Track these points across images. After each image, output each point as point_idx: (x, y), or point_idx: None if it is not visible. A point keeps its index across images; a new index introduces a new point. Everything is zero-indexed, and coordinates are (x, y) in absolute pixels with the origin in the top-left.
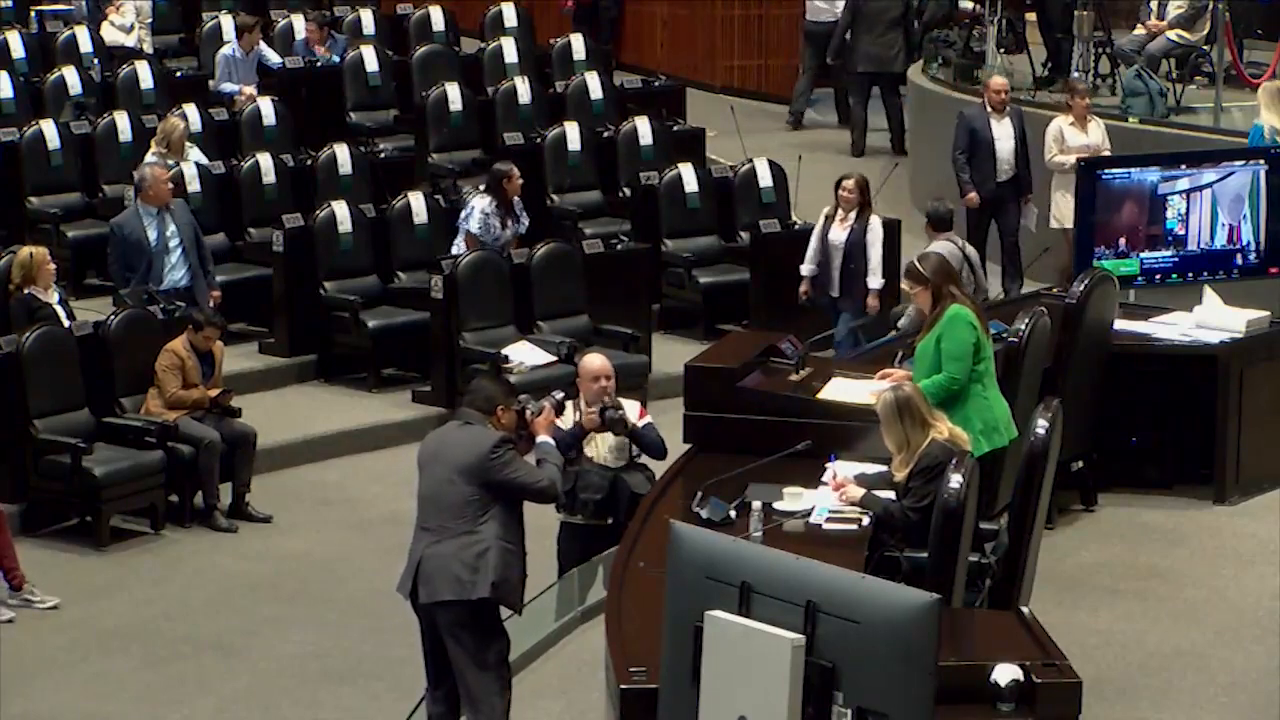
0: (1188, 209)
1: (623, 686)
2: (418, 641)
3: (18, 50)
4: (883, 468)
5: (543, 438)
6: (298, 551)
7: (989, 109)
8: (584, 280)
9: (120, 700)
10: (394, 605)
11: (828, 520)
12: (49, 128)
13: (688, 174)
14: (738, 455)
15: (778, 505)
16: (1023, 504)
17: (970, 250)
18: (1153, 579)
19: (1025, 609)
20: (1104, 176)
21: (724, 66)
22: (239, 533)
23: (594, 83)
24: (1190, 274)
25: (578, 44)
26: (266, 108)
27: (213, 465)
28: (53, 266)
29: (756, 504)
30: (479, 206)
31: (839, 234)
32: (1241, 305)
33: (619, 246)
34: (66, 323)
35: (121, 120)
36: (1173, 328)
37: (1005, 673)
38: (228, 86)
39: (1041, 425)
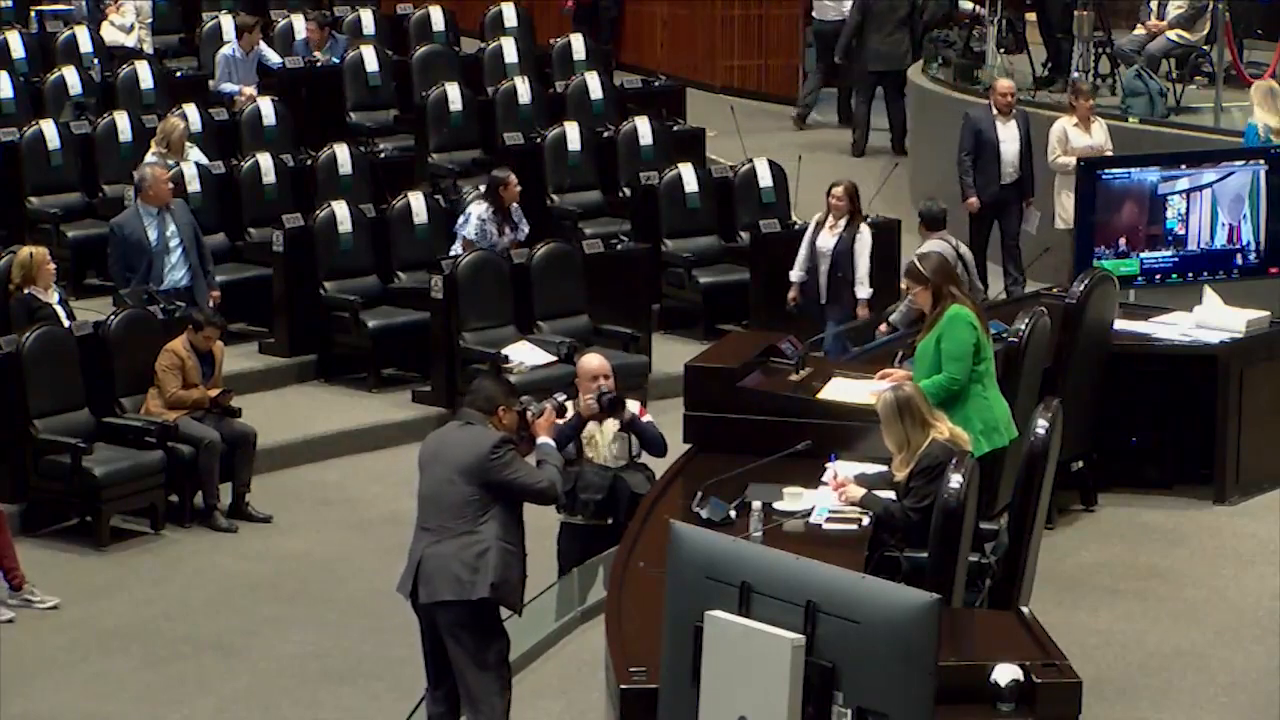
0: (1188, 209)
1: (623, 686)
2: (418, 641)
3: (18, 50)
4: (883, 468)
5: (543, 439)
6: (298, 551)
7: (995, 111)
8: (584, 280)
9: (120, 700)
10: (394, 605)
11: (828, 520)
12: (49, 128)
13: (688, 174)
14: (738, 455)
15: (778, 505)
16: (1023, 504)
17: (964, 250)
18: (1153, 579)
19: (1025, 609)
20: (1104, 176)
21: (724, 66)
22: (239, 533)
23: (594, 83)
24: (1190, 274)
25: (578, 44)
26: (266, 108)
27: (213, 465)
28: (53, 266)
29: (756, 504)
30: (476, 213)
31: (827, 241)
32: (1241, 305)
33: (619, 246)
34: (66, 323)
35: (121, 120)
36: (1173, 328)
37: (1005, 673)
38: (228, 86)
39: (1041, 425)
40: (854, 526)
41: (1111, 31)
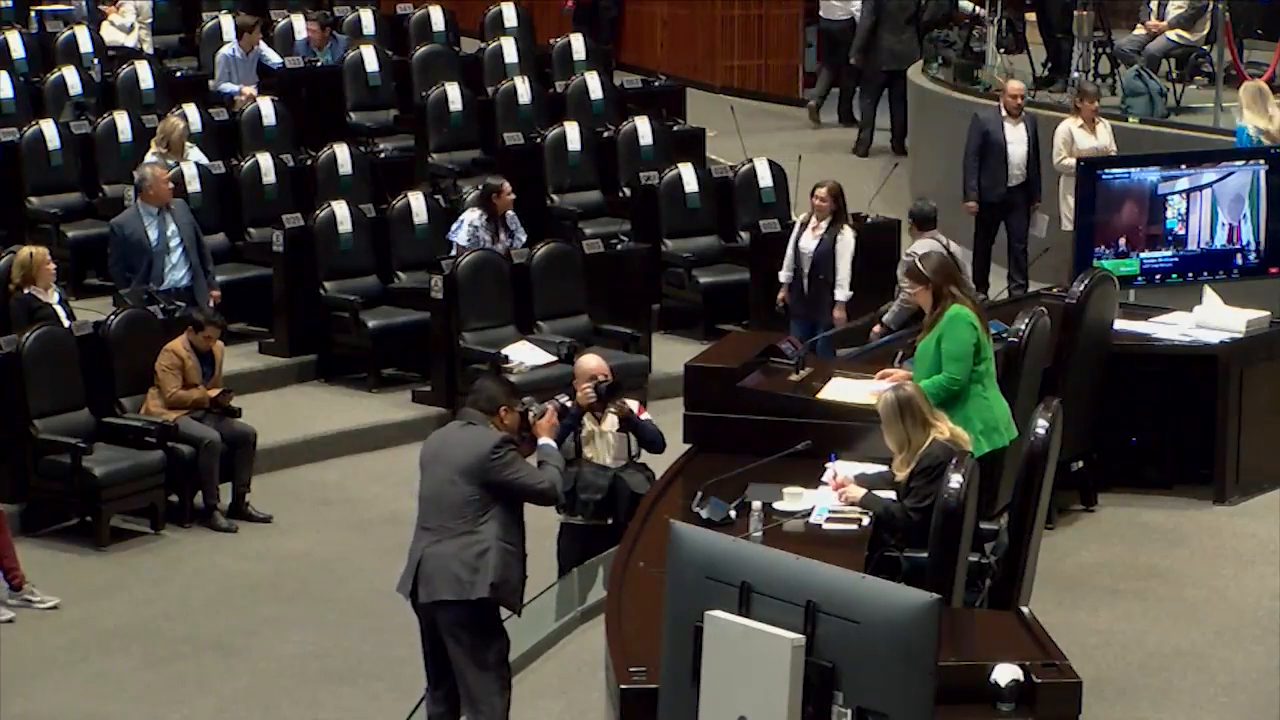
0: (1188, 209)
1: (623, 686)
2: (418, 641)
3: (18, 50)
4: (883, 468)
5: (544, 440)
6: (298, 551)
7: (1004, 112)
8: (584, 280)
9: (120, 700)
10: (394, 605)
11: (828, 520)
12: (49, 128)
13: (688, 174)
14: (738, 455)
15: (778, 505)
16: (1023, 504)
17: (954, 248)
18: (1153, 579)
19: (1025, 609)
20: (1104, 176)
21: (724, 66)
22: (239, 533)
23: (594, 83)
24: (1190, 274)
25: (578, 44)
26: (266, 108)
27: (213, 465)
28: (53, 266)
29: (756, 504)
30: (468, 220)
31: (809, 242)
32: (1241, 305)
33: (619, 246)
34: (66, 323)
35: (121, 120)
36: (1173, 328)
37: (1005, 673)
38: (228, 86)
39: (1041, 425)
40: (854, 526)
41: (1111, 31)
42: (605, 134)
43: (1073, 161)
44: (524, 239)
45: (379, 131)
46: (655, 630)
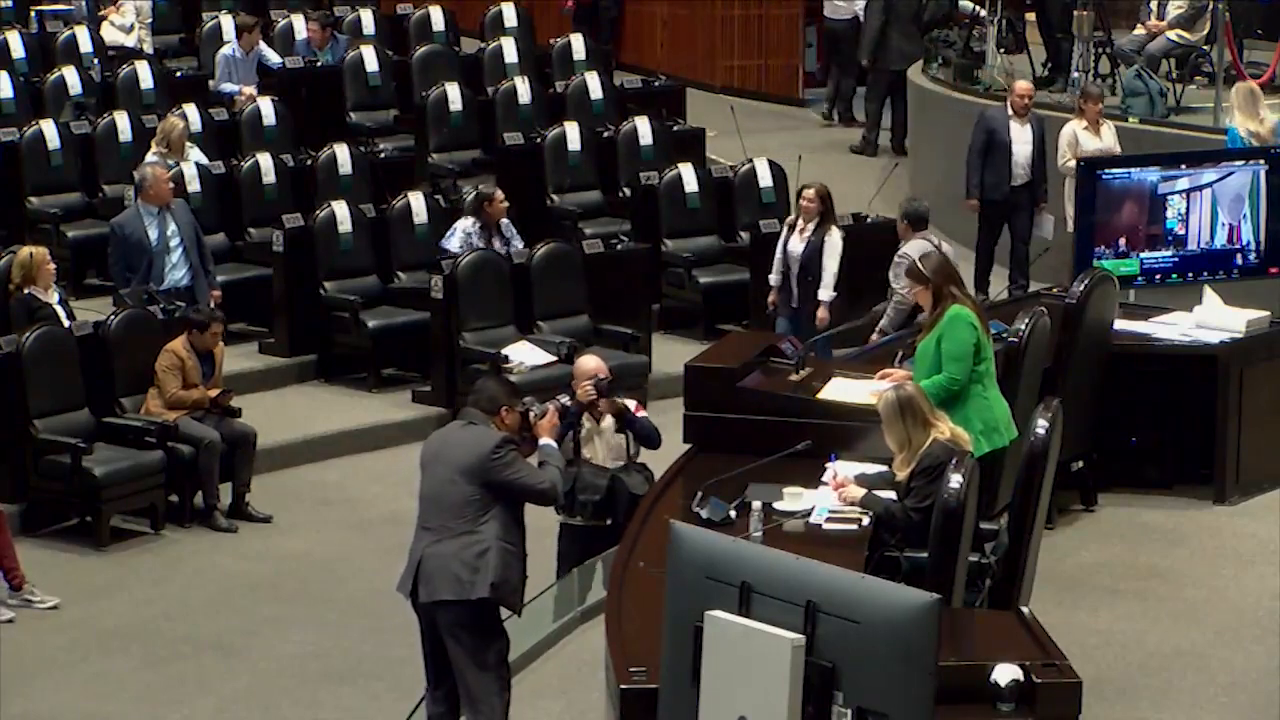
0: (1188, 209)
1: (623, 686)
2: (418, 641)
3: (18, 50)
4: (883, 468)
5: (545, 440)
6: (298, 551)
7: (1011, 112)
8: (584, 280)
9: (120, 700)
10: (394, 605)
11: (828, 520)
12: (49, 128)
13: (688, 174)
14: (738, 455)
15: (778, 505)
16: (1023, 504)
17: (947, 248)
18: (1153, 579)
19: (1025, 609)
20: (1104, 176)
21: (724, 66)
22: (239, 533)
23: (594, 83)
24: (1190, 274)
25: (578, 44)
26: (266, 108)
27: (213, 465)
28: (53, 266)
29: (756, 504)
30: (461, 227)
31: (797, 244)
32: (1241, 305)
33: (619, 246)
34: (66, 323)
35: (121, 120)
36: (1173, 328)
37: (1005, 673)
38: (228, 86)
39: (1041, 425)
40: (854, 526)
41: (1111, 31)
42: (605, 134)
43: None
44: (520, 245)
45: (379, 131)
46: (655, 630)
